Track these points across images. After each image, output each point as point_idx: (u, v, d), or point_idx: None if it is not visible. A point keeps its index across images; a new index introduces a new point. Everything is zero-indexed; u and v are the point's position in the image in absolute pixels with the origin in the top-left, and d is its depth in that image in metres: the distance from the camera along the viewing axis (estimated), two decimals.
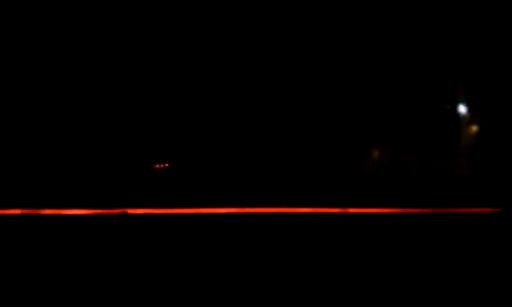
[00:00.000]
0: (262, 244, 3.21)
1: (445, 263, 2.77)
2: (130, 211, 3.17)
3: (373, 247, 3.13)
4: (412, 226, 3.68)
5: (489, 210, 3.34)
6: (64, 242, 3.02)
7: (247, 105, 3.27)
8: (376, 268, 2.69)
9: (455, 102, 2.92)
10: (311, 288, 2.29)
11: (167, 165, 3.01)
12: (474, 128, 2.92)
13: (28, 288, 2.40)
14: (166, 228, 3.51)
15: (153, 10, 3.11)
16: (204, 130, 2.94)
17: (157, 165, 3.05)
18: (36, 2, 3.24)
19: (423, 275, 2.63)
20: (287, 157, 3.50)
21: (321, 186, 3.62)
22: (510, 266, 2.69)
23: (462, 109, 2.81)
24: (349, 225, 3.86)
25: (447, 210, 3.64)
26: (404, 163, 3.31)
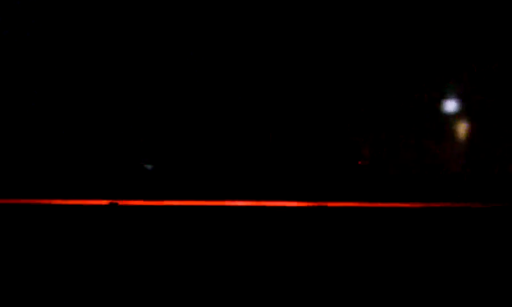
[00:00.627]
0: (258, 239, 3.20)
1: (442, 260, 2.76)
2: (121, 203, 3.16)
3: (369, 242, 3.11)
4: (408, 221, 3.67)
5: (487, 205, 3.33)
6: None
7: (237, 99, 3.24)
8: (372, 264, 2.68)
9: (445, 95, 2.90)
10: (308, 284, 2.28)
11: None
12: (465, 123, 2.90)
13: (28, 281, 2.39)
14: (159, 220, 3.50)
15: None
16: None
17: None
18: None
19: (420, 272, 2.62)
20: (280, 150, 3.48)
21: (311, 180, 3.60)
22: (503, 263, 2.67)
23: (452, 103, 2.78)
24: (346, 219, 3.83)
25: (441, 204, 3.64)
26: (395, 155, 3.29)
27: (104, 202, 3.25)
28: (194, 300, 2.22)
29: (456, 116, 3.24)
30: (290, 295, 2.20)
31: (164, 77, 2.94)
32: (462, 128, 3.07)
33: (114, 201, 2.99)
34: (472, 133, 3.09)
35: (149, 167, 2.97)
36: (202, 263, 2.66)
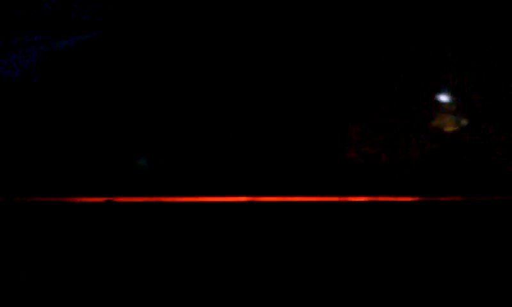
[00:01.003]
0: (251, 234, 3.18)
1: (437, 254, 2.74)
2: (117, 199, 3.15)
3: (363, 239, 3.09)
4: (402, 215, 3.64)
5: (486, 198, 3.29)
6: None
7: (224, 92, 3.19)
8: (370, 262, 2.66)
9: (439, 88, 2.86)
10: (304, 283, 2.27)
11: None
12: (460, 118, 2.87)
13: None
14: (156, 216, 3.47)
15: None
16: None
17: None
18: None
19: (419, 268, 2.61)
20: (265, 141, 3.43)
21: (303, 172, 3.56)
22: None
23: (445, 97, 2.76)
24: (337, 214, 3.80)
25: (436, 198, 3.61)
26: (385, 147, 3.24)
27: (100, 199, 3.25)
28: (195, 300, 2.23)
29: (455, 112, 3.23)
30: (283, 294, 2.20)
31: (160, 75, 2.93)
32: (461, 124, 3.05)
33: (111, 198, 2.99)
34: (471, 129, 3.08)
35: (144, 163, 2.95)
36: (200, 260, 2.65)
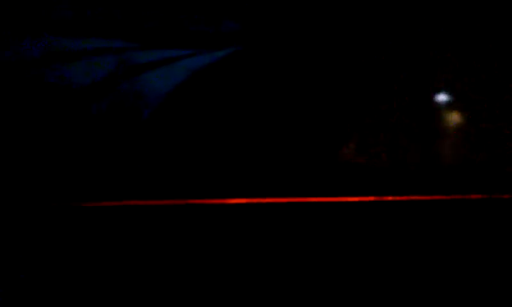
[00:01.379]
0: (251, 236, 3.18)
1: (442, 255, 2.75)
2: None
3: (365, 238, 3.10)
4: (403, 215, 3.65)
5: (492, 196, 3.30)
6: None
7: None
8: (373, 262, 2.67)
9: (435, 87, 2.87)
10: (305, 284, 2.28)
11: None
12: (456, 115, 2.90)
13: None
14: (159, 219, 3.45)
15: None
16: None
17: None
18: None
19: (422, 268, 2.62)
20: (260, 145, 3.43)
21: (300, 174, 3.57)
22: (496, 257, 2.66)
23: (442, 95, 2.78)
24: (338, 215, 3.81)
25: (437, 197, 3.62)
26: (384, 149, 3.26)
27: (106, 203, 3.21)
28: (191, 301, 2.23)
29: (455, 112, 3.26)
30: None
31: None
32: (460, 121, 3.06)
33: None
34: (471, 128, 3.09)
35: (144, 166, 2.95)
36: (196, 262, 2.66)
